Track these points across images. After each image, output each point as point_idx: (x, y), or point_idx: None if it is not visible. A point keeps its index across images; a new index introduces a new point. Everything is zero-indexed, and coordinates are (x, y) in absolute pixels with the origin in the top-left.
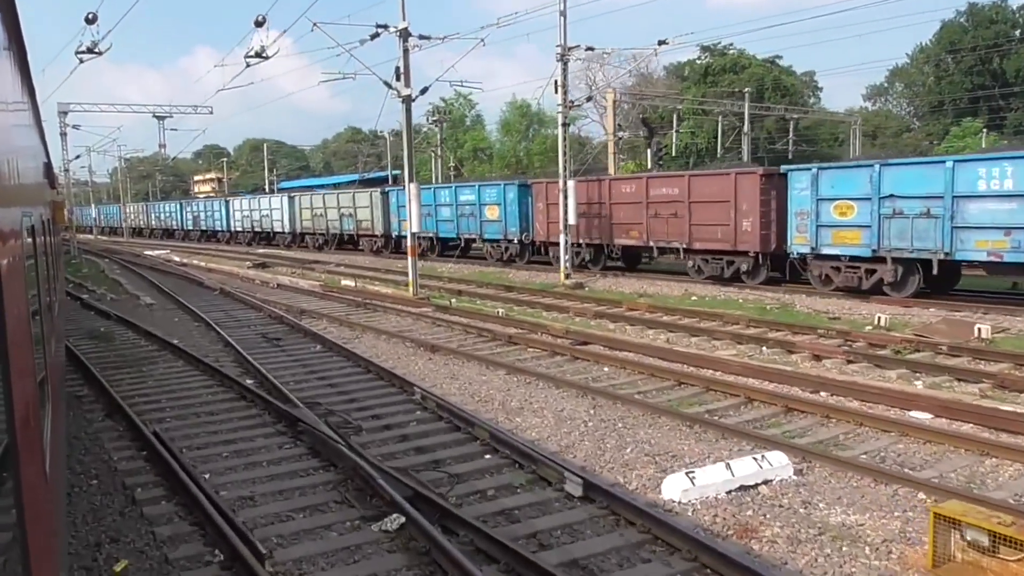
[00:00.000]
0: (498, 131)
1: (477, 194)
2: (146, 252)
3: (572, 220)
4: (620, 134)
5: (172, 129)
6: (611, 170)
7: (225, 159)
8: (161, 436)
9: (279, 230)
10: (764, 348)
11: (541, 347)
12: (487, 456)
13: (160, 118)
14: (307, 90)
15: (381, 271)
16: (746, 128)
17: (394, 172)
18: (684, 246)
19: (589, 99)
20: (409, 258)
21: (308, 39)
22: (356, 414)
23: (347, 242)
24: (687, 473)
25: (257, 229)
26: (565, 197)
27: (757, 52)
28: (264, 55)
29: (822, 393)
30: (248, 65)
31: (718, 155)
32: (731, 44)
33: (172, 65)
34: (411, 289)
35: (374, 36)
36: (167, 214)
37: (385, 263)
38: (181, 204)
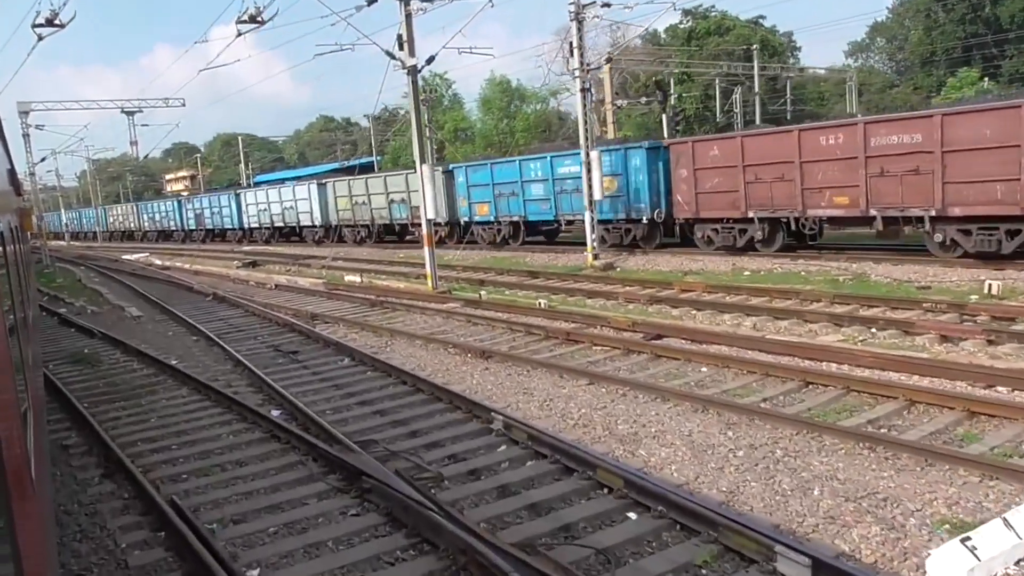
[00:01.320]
0: (478, 110)
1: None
2: (124, 256)
3: (597, 195)
4: (619, 102)
5: (143, 125)
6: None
7: (198, 155)
8: (182, 508)
9: (307, 223)
10: (873, 329)
11: (609, 344)
12: (632, 515)
13: (129, 113)
14: (271, 81)
15: (384, 263)
16: (756, 87)
17: (374, 158)
18: (933, 213)
19: (609, 60)
20: (426, 248)
21: (270, 31)
22: (426, 454)
23: (394, 233)
24: (964, 541)
25: (278, 224)
26: (588, 170)
27: (739, 13)
28: (259, 19)
29: (999, 389)
30: (240, 33)
31: (717, 119)
32: (712, 6)
33: (132, 63)
34: (430, 282)
35: (371, 1)
36: (163, 214)
37: (384, 254)
38: (180, 202)
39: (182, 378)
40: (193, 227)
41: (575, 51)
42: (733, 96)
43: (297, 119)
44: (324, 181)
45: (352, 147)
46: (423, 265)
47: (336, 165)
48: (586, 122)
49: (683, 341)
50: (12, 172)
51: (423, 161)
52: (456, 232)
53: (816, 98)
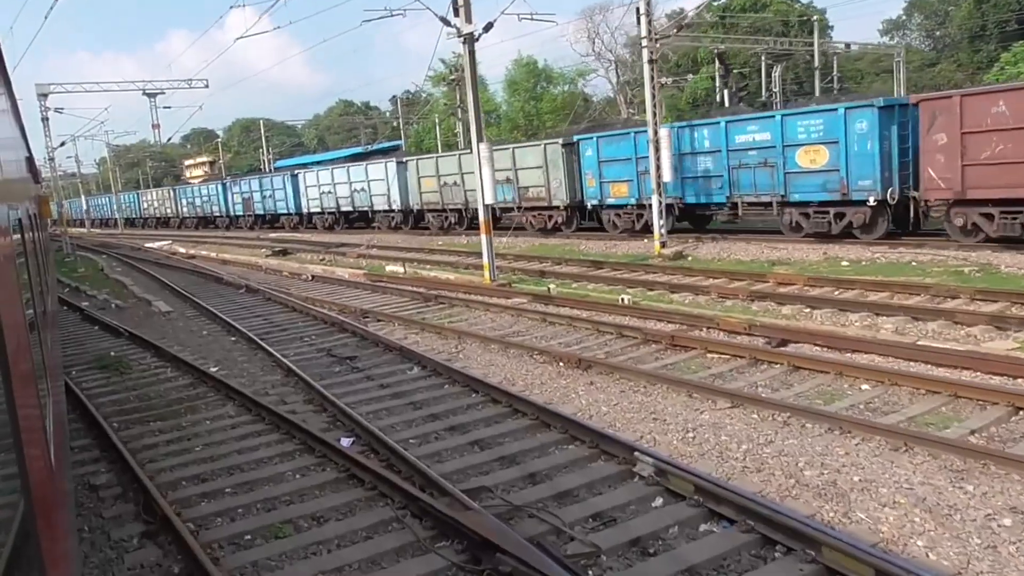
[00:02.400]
0: (503, 91)
1: (778, 129)
2: (146, 244)
3: (667, 177)
4: (663, 79)
5: (165, 107)
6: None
7: (219, 139)
8: None
9: (383, 208)
10: None
11: (727, 352)
12: None
13: (151, 96)
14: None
15: (423, 251)
16: (816, 62)
17: (396, 143)
18: None
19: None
20: (483, 236)
21: (285, 15)
22: (560, 510)
23: (497, 218)
24: None
25: (345, 208)
26: (657, 149)
27: None
28: None
29: None
30: None
31: (769, 96)
32: None
33: (148, 50)
34: (487, 274)
35: None
36: (205, 199)
37: (420, 241)
38: (224, 185)
39: (226, 391)
40: (240, 213)
41: (641, 19)
42: (774, 73)
43: (311, 105)
44: (406, 160)
45: (373, 131)
46: (468, 253)
47: (359, 149)
48: (654, 95)
49: (818, 348)
50: (30, 159)
51: (479, 139)
52: (576, 219)
53: (853, 76)
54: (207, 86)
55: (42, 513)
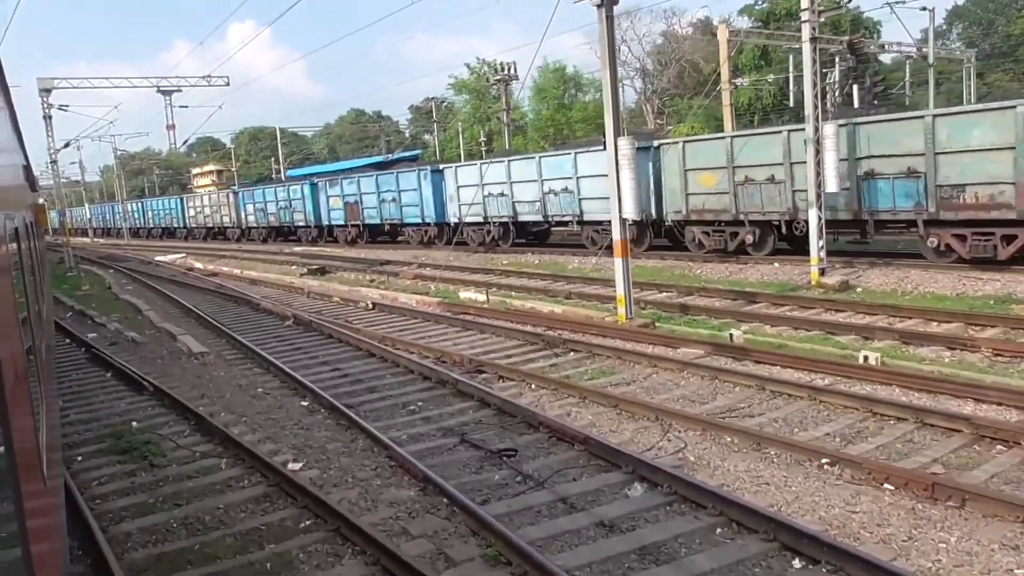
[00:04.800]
0: (531, 99)
1: None
2: (156, 258)
3: (831, 187)
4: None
5: (181, 106)
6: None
7: (230, 148)
8: None
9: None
10: None
11: None
12: None
13: (166, 93)
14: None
15: (490, 272)
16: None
17: (416, 152)
18: None
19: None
20: (617, 260)
21: (286, 28)
22: None
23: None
24: None
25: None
26: (817, 151)
27: None
28: None
29: None
30: None
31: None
32: None
33: (151, 61)
34: (622, 310)
35: None
36: (283, 204)
37: (477, 259)
38: (314, 186)
39: (333, 520)
40: (341, 222)
41: None
42: (828, 79)
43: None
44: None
45: (386, 141)
46: (549, 276)
47: (380, 158)
48: (815, 84)
49: None
50: (28, 168)
51: (617, 133)
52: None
53: (894, 85)
54: (228, 83)
55: None
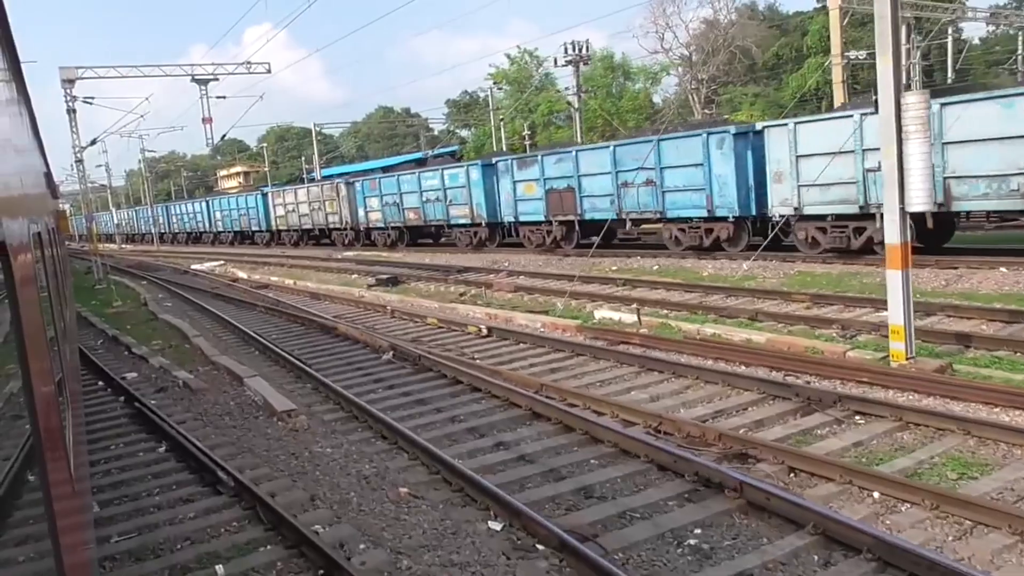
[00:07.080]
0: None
1: None
2: (192, 266)
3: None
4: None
5: (219, 97)
6: (839, 99)
7: (261, 148)
8: None
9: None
10: None
11: None
12: None
13: (202, 82)
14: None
15: (591, 281)
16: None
17: (453, 147)
18: None
19: None
20: (889, 273)
21: (304, 31)
22: None
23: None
24: None
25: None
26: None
27: None
28: None
29: None
30: None
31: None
32: None
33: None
34: (902, 345)
35: None
36: (429, 196)
37: (564, 265)
38: (454, 174)
39: None
40: (512, 218)
41: None
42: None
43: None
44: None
45: (415, 139)
46: (677, 286)
47: (419, 155)
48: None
49: None
50: (48, 175)
51: (899, 88)
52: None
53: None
54: (269, 71)
55: None
